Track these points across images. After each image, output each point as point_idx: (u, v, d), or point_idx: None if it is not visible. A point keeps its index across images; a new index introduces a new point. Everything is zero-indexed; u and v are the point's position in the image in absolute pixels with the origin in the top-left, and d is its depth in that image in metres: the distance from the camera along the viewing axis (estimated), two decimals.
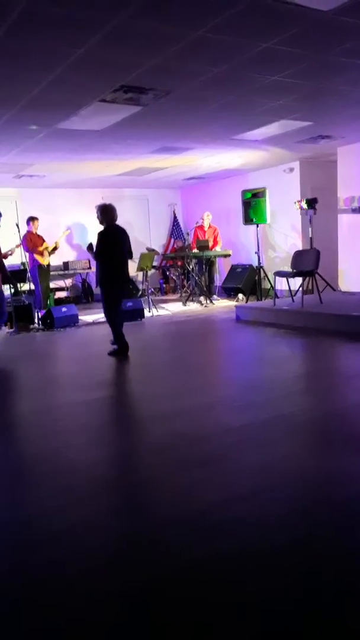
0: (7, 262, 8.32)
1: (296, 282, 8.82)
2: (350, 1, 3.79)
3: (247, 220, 10.43)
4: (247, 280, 11.47)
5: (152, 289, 12.19)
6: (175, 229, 14.01)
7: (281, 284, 9.44)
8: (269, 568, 2.10)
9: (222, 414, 4.12)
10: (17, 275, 9.43)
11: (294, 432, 3.62)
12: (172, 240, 13.98)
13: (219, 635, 1.76)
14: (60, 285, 12.26)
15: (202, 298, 10.98)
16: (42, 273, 10.22)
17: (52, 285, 11.13)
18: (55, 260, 10.95)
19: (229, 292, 11.87)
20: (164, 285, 13.79)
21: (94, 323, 9.04)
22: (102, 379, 5.63)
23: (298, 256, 8.64)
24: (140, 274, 11.17)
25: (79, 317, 9.20)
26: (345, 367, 5.60)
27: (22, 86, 5.18)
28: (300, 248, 10.09)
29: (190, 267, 11.35)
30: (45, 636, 1.80)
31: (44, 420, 4.27)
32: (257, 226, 10.33)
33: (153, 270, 12.63)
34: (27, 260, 10.04)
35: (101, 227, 6.34)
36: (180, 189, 14.11)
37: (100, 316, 9.56)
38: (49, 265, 10.32)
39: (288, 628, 1.77)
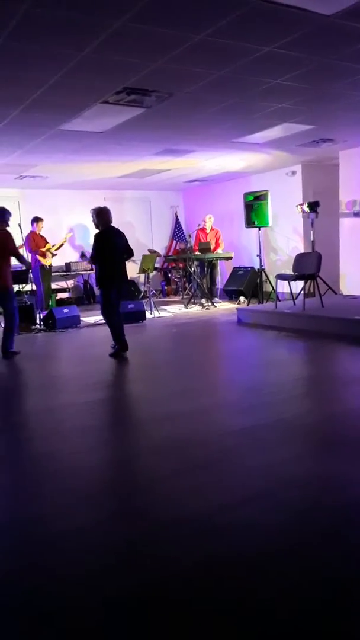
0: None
1: (298, 285, 8.82)
2: (353, 5, 3.79)
3: (249, 223, 10.43)
4: (248, 283, 11.46)
5: (154, 291, 12.19)
6: (177, 231, 14.02)
7: (283, 287, 9.43)
8: (268, 572, 2.10)
9: (223, 417, 4.11)
10: (19, 276, 9.43)
11: (294, 435, 3.62)
12: (174, 242, 13.99)
13: (217, 634, 1.76)
14: (62, 286, 12.27)
15: (203, 300, 10.98)
16: (44, 274, 10.21)
17: (53, 286, 11.14)
18: (57, 262, 10.96)
19: (230, 294, 11.87)
20: (166, 287, 13.79)
21: (95, 324, 9.03)
22: (103, 380, 5.63)
23: (300, 259, 8.64)
24: (142, 275, 11.18)
25: (81, 319, 9.21)
26: (346, 371, 5.59)
27: (25, 88, 5.19)
28: (302, 251, 10.08)
29: (192, 269, 11.36)
30: (41, 636, 1.81)
31: (45, 422, 4.27)
32: (259, 229, 10.33)
33: (155, 272, 12.63)
34: (30, 261, 10.03)
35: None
36: (182, 191, 14.12)
37: (100, 317, 9.57)
38: (51, 266, 10.33)
39: (286, 632, 1.77)
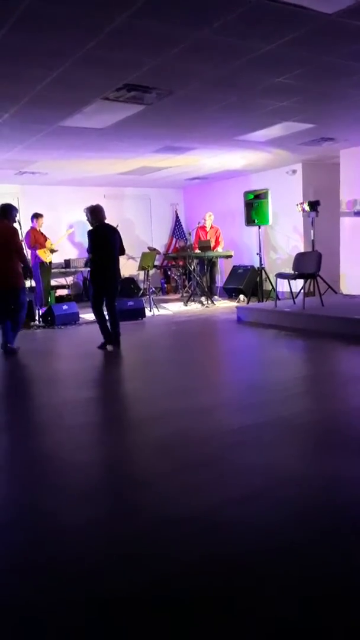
0: None
1: (298, 284, 8.81)
2: (355, 4, 3.78)
3: (249, 221, 10.41)
4: (248, 282, 11.45)
5: (154, 289, 12.18)
6: (177, 229, 14.00)
7: (283, 285, 9.42)
8: (267, 571, 2.09)
9: (222, 416, 4.11)
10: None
11: (294, 434, 3.61)
12: (174, 240, 13.97)
13: (217, 637, 1.75)
14: (62, 283, 12.25)
15: (203, 298, 10.97)
16: (44, 270, 10.21)
17: (53, 282, 11.12)
18: (56, 258, 10.95)
19: (230, 293, 11.86)
20: (165, 285, 13.78)
21: (94, 321, 9.01)
22: (102, 377, 5.63)
23: (300, 258, 8.63)
24: (142, 273, 11.16)
25: (80, 315, 9.19)
26: (345, 370, 5.59)
27: (25, 83, 5.18)
28: (302, 250, 10.08)
29: (192, 267, 11.34)
30: (41, 636, 1.80)
31: (44, 419, 4.27)
32: (259, 227, 10.32)
33: (154, 270, 12.61)
34: (29, 257, 10.02)
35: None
36: (182, 188, 14.10)
37: None
38: (50, 262, 10.32)
39: (287, 629, 1.77)
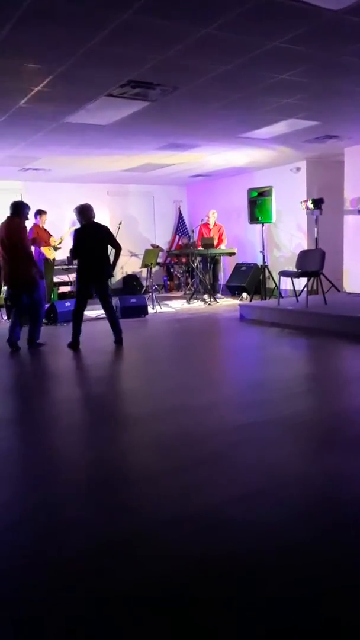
0: None
1: (301, 282, 8.80)
2: None
3: (253, 219, 10.38)
4: (251, 279, 11.44)
5: (156, 286, 12.17)
6: (181, 226, 13.99)
7: (286, 283, 9.40)
8: (268, 569, 2.09)
9: (224, 413, 4.10)
10: None
11: (296, 433, 3.60)
12: (177, 237, 13.96)
13: (217, 636, 1.75)
14: (64, 280, 12.24)
15: (206, 296, 10.96)
16: (48, 267, 10.20)
17: (55, 279, 11.12)
18: (59, 255, 10.94)
19: (233, 290, 11.84)
20: (168, 283, 13.77)
21: (97, 318, 9.02)
22: (103, 374, 5.63)
23: (303, 256, 8.61)
24: (145, 270, 11.16)
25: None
26: (348, 369, 5.58)
27: (29, 79, 5.16)
28: (306, 248, 10.06)
29: (195, 264, 11.33)
30: (40, 635, 1.80)
31: (44, 416, 4.26)
32: (263, 225, 10.29)
33: (157, 267, 12.60)
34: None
35: None
36: (186, 186, 14.08)
37: (102, 311, 9.55)
38: (54, 259, 10.31)
39: (287, 628, 1.76)
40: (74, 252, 6.62)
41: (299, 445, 3.39)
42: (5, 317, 9.37)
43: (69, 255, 6.82)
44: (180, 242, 13.64)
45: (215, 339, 7.66)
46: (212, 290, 11.18)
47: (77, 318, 6.67)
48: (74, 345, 6.61)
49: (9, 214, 6.71)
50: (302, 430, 3.65)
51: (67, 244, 11.51)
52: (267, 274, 10.31)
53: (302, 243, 10.79)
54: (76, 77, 5.11)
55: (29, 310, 6.77)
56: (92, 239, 6.54)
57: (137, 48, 4.49)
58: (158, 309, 9.98)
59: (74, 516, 2.58)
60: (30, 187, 11.75)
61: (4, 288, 7.19)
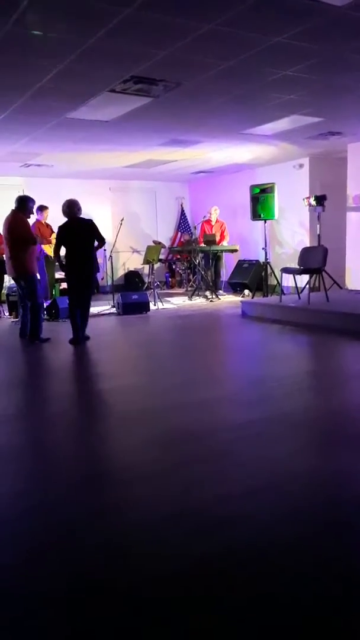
0: None
1: (303, 279, 8.78)
2: None
3: (255, 215, 10.37)
4: (253, 276, 11.42)
5: (158, 282, 12.16)
6: (183, 223, 13.97)
7: (288, 280, 9.39)
8: (268, 566, 2.08)
9: (225, 410, 4.10)
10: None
11: (297, 429, 3.60)
12: (179, 233, 13.94)
13: (217, 633, 1.74)
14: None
15: (207, 293, 10.95)
16: (49, 264, 10.19)
17: (57, 276, 11.11)
18: (61, 252, 10.94)
19: (235, 287, 11.83)
20: (170, 279, 13.76)
21: (98, 314, 9.02)
22: (104, 371, 5.62)
23: (305, 253, 8.59)
24: (147, 266, 11.14)
25: None
26: (350, 366, 5.57)
27: (32, 75, 5.15)
28: (308, 245, 10.03)
29: (197, 261, 11.31)
30: (45, 631, 1.80)
31: (45, 411, 4.26)
32: (265, 222, 10.27)
33: (159, 264, 12.59)
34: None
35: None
36: (188, 182, 14.05)
37: (104, 308, 9.57)
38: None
39: (287, 628, 1.76)
40: (58, 249, 6.67)
41: (300, 442, 3.39)
42: (6, 313, 9.37)
43: (53, 250, 6.81)
44: (182, 239, 13.63)
45: (216, 335, 7.66)
46: (214, 287, 11.16)
47: (74, 314, 6.67)
48: (75, 341, 6.60)
49: (13, 208, 6.77)
50: (303, 428, 3.65)
51: None
52: (269, 270, 10.30)
53: (305, 240, 10.76)
54: (78, 72, 5.09)
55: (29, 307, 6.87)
56: (77, 234, 6.55)
57: (139, 44, 4.47)
58: (160, 305, 9.97)
59: (72, 512, 2.58)
60: (32, 183, 11.73)
61: (8, 284, 7.22)
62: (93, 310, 9.34)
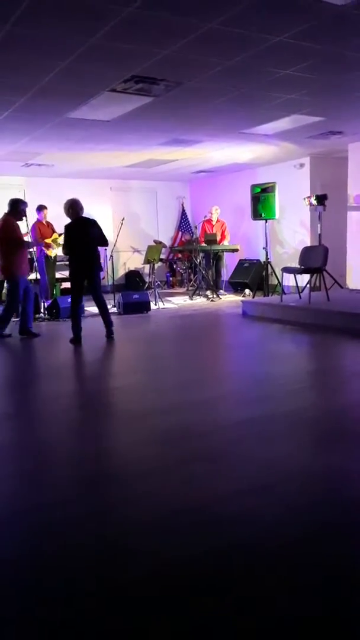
0: None
1: (304, 279, 8.77)
2: None
3: (256, 215, 10.37)
4: (254, 276, 11.42)
5: (159, 282, 12.16)
6: (183, 222, 13.97)
7: (288, 280, 9.38)
8: (267, 565, 2.08)
9: (227, 409, 4.10)
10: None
11: (298, 428, 3.60)
12: (180, 233, 13.94)
13: (217, 631, 1.74)
14: (67, 276, 12.22)
15: (208, 292, 10.95)
16: (49, 263, 10.21)
17: (58, 275, 11.12)
18: (61, 251, 10.95)
19: (235, 287, 11.83)
20: (171, 279, 13.76)
21: (99, 314, 9.00)
22: (106, 370, 5.63)
23: (306, 253, 8.59)
24: (147, 266, 11.14)
25: (85, 308, 9.16)
26: (350, 365, 5.57)
27: (33, 75, 5.15)
28: (309, 244, 10.03)
29: (198, 260, 11.32)
30: (44, 630, 1.80)
31: (46, 410, 4.26)
32: (266, 221, 10.27)
33: (160, 263, 12.59)
34: (35, 250, 10.00)
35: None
36: (189, 182, 14.05)
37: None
38: (56, 256, 10.31)
39: (287, 624, 1.76)
40: (67, 247, 6.73)
41: (300, 441, 3.39)
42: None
43: (63, 251, 6.94)
44: (183, 238, 13.63)
45: (217, 335, 7.66)
46: (215, 287, 11.17)
47: (75, 313, 6.70)
48: (76, 340, 6.60)
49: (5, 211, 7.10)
50: (304, 426, 3.65)
51: None
52: (269, 270, 10.29)
53: (305, 239, 10.76)
54: (79, 72, 5.09)
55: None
56: (83, 234, 6.60)
57: (140, 43, 4.47)
58: (160, 305, 9.98)
59: (73, 510, 2.58)
60: (32, 182, 11.74)
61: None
62: (93, 310, 9.37)
